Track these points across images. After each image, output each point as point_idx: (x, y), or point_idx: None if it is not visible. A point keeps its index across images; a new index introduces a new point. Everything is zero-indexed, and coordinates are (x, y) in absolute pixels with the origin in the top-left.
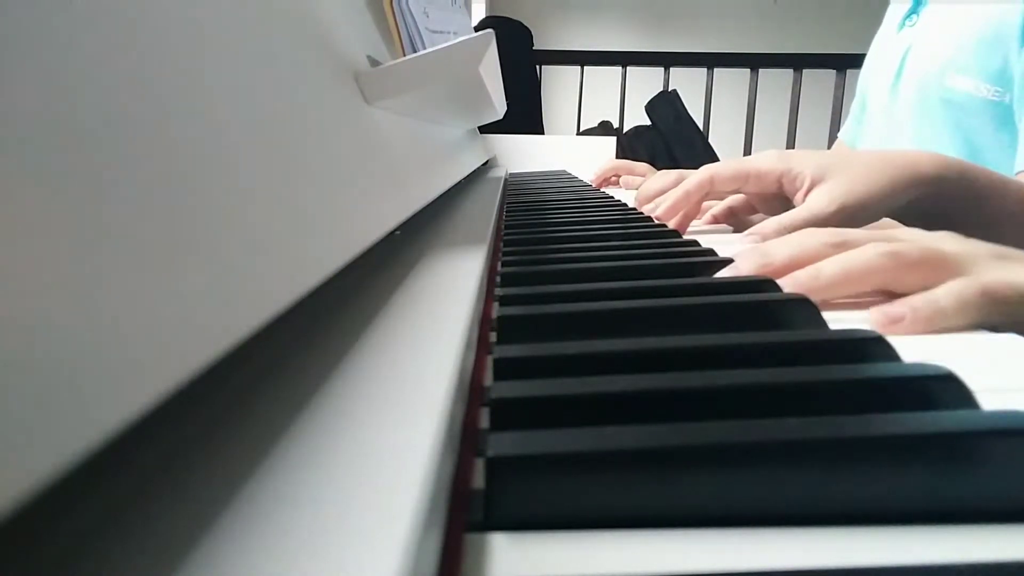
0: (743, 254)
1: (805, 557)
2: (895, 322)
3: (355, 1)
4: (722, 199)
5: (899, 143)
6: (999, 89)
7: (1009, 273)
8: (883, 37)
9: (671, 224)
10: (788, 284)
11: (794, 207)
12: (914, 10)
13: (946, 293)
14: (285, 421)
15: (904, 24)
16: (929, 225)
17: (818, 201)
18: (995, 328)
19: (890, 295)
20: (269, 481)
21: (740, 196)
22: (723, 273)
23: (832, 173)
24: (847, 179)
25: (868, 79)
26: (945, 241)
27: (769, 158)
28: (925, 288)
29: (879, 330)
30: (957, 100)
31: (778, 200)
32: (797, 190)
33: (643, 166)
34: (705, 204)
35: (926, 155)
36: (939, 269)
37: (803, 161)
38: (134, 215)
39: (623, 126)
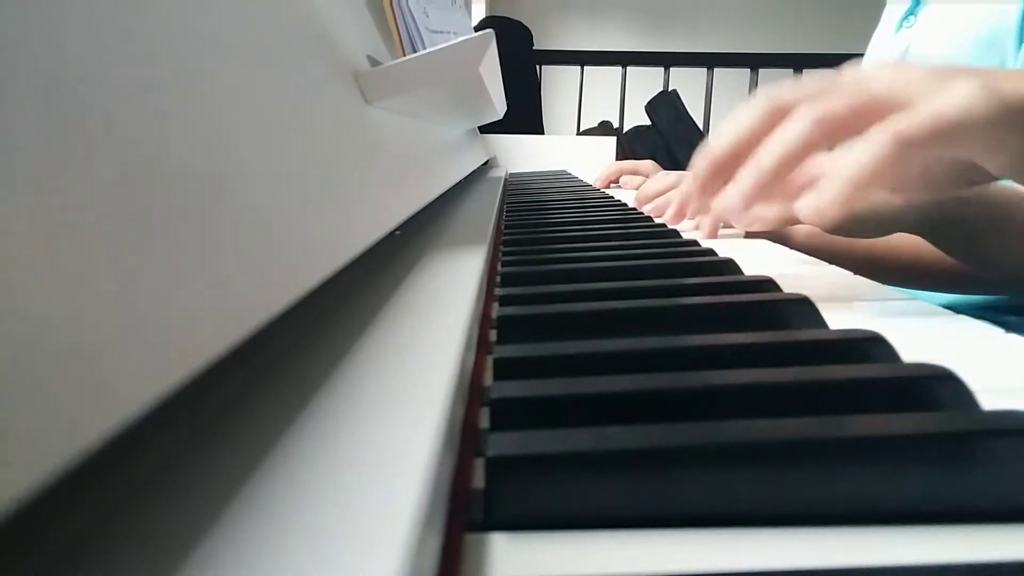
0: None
1: (805, 557)
2: (820, 214)
3: (355, 1)
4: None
5: None
6: None
7: (940, 98)
8: (881, 38)
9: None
10: (736, 194)
11: None
12: (912, 11)
13: (850, 164)
14: (285, 421)
15: (902, 25)
16: (948, 242)
17: None
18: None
19: None
20: (269, 481)
21: None
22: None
23: None
24: None
25: None
26: (882, 74)
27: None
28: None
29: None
30: None
31: None
32: None
33: (648, 164)
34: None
35: None
36: (871, 114)
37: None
38: (134, 215)
39: (623, 126)
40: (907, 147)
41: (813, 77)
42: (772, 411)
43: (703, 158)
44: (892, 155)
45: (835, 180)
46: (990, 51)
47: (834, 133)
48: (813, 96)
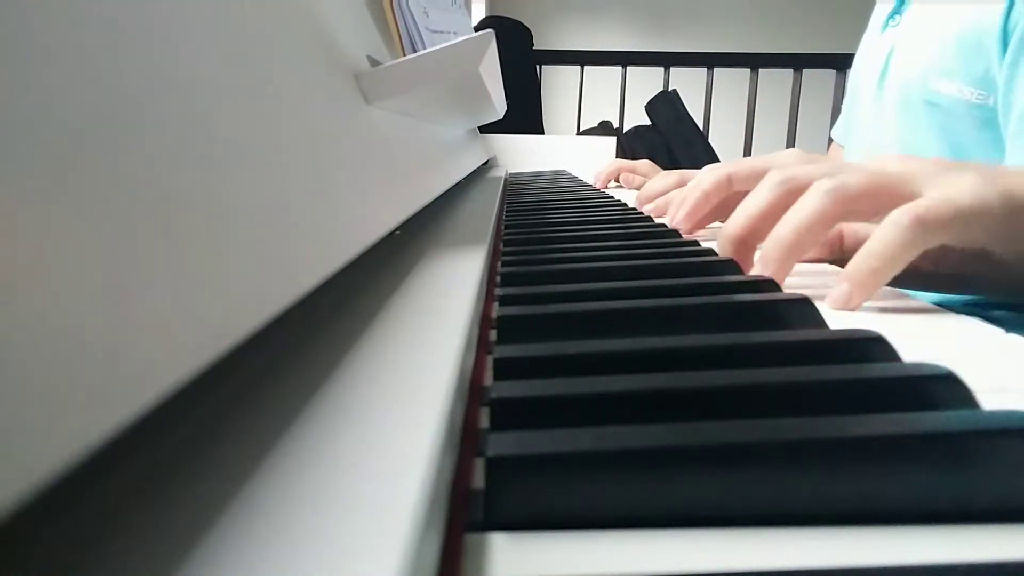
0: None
1: (805, 557)
2: (848, 301)
3: (355, 1)
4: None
5: (885, 143)
6: (983, 92)
7: (950, 186)
8: (868, 38)
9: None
10: (764, 267)
11: None
12: (897, 10)
13: (876, 248)
14: (285, 421)
15: (888, 24)
16: (961, 253)
17: None
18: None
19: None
20: (269, 481)
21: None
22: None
23: None
24: None
25: (856, 78)
26: (890, 162)
27: (790, 157)
28: (876, 214)
29: (840, 309)
30: (941, 103)
31: None
32: None
33: (645, 164)
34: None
35: None
36: (883, 194)
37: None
38: (133, 215)
39: (623, 126)
40: (926, 231)
41: (814, 164)
42: (772, 411)
43: (724, 241)
44: (911, 239)
45: (859, 270)
46: (974, 52)
47: (849, 209)
48: (827, 175)
